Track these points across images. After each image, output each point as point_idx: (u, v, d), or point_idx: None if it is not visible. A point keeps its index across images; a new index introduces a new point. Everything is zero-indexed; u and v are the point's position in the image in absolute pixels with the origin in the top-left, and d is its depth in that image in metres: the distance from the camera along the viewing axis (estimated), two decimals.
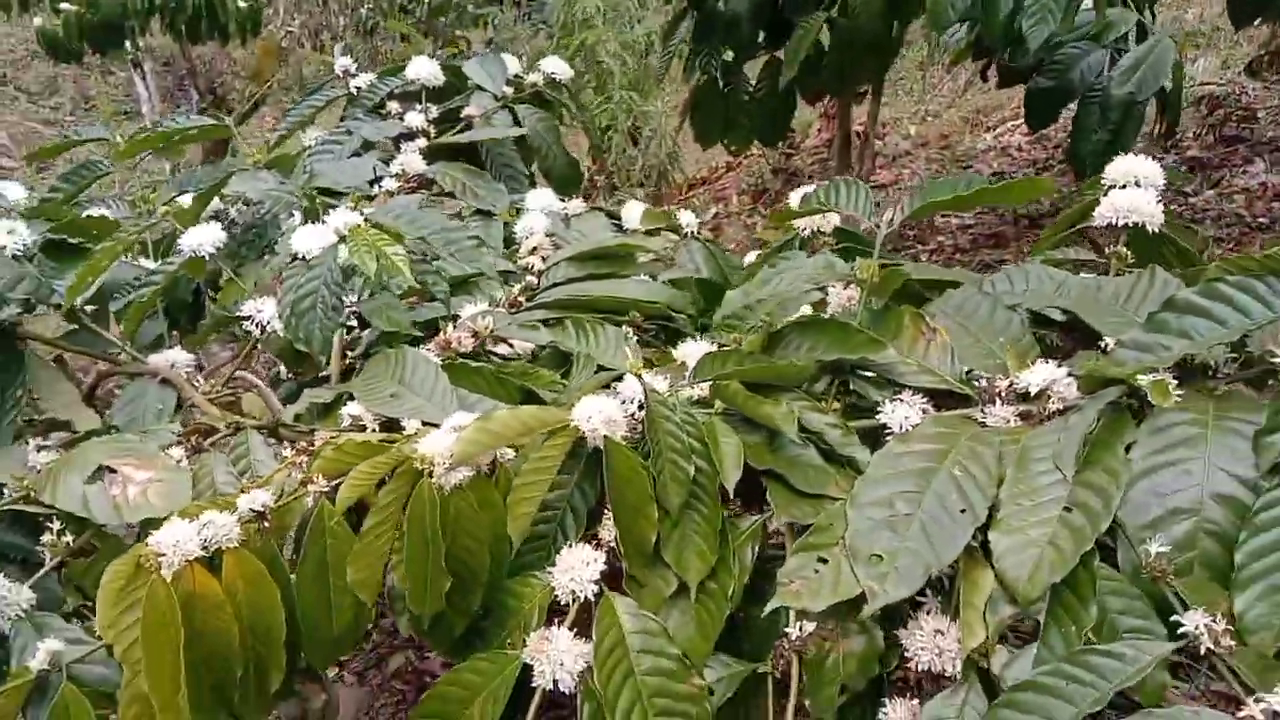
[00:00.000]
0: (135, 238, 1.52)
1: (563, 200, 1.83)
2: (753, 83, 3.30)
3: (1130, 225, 1.26)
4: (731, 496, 1.03)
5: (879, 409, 1.09)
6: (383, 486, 1.01)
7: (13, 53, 8.82)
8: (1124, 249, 1.29)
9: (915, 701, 0.98)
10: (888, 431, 1.06)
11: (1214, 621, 0.85)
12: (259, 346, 1.59)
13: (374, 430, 1.26)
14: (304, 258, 1.40)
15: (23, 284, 1.44)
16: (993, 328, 1.17)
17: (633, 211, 1.77)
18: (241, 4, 6.55)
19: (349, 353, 1.58)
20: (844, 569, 0.96)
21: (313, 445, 1.23)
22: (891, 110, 6.49)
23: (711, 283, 1.57)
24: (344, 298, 1.40)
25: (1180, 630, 0.86)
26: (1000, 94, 5.27)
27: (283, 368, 1.77)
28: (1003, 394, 1.07)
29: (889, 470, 1.00)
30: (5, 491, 1.21)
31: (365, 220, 1.43)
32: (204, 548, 0.94)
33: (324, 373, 1.67)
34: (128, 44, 6.73)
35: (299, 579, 1.02)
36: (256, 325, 1.44)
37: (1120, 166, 1.31)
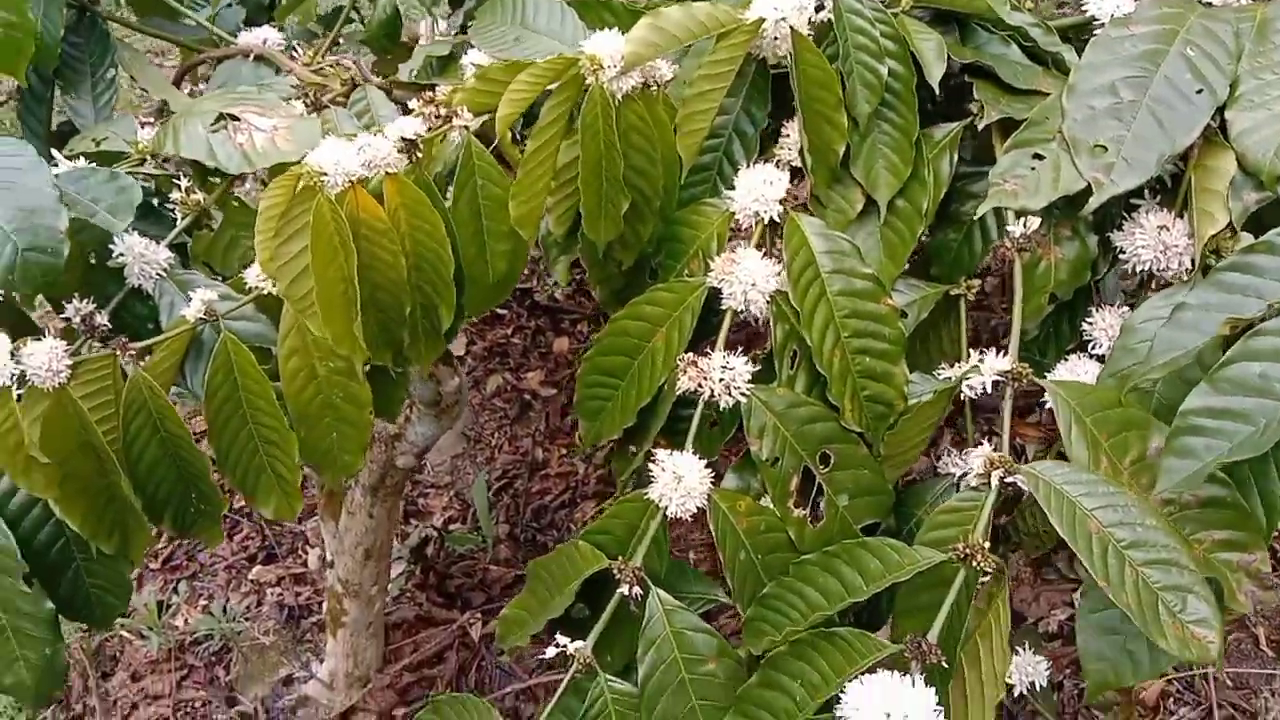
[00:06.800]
0: None
1: None
2: None
3: None
4: (938, 98, 0.93)
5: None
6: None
7: None
8: None
9: (1125, 309, 0.92)
10: (1097, 23, 0.95)
11: None
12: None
13: None
14: None
15: None
16: None
17: None
18: None
19: None
20: (1063, 164, 0.87)
21: (436, 97, 1.13)
22: None
23: None
24: None
25: None
26: None
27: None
28: None
29: (1109, 56, 0.89)
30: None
31: None
32: (365, 167, 0.85)
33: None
34: None
35: (453, 223, 0.95)
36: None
37: None
